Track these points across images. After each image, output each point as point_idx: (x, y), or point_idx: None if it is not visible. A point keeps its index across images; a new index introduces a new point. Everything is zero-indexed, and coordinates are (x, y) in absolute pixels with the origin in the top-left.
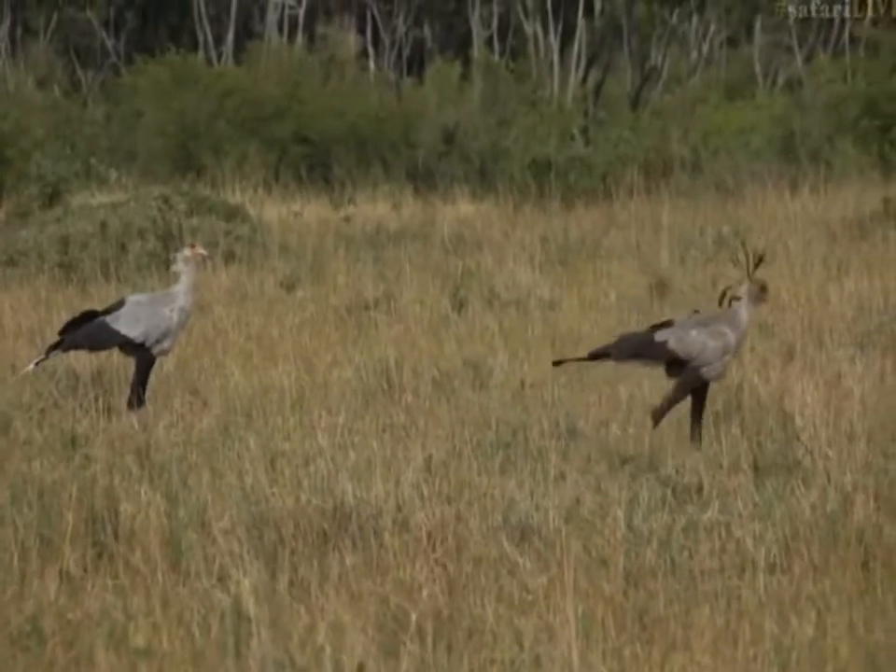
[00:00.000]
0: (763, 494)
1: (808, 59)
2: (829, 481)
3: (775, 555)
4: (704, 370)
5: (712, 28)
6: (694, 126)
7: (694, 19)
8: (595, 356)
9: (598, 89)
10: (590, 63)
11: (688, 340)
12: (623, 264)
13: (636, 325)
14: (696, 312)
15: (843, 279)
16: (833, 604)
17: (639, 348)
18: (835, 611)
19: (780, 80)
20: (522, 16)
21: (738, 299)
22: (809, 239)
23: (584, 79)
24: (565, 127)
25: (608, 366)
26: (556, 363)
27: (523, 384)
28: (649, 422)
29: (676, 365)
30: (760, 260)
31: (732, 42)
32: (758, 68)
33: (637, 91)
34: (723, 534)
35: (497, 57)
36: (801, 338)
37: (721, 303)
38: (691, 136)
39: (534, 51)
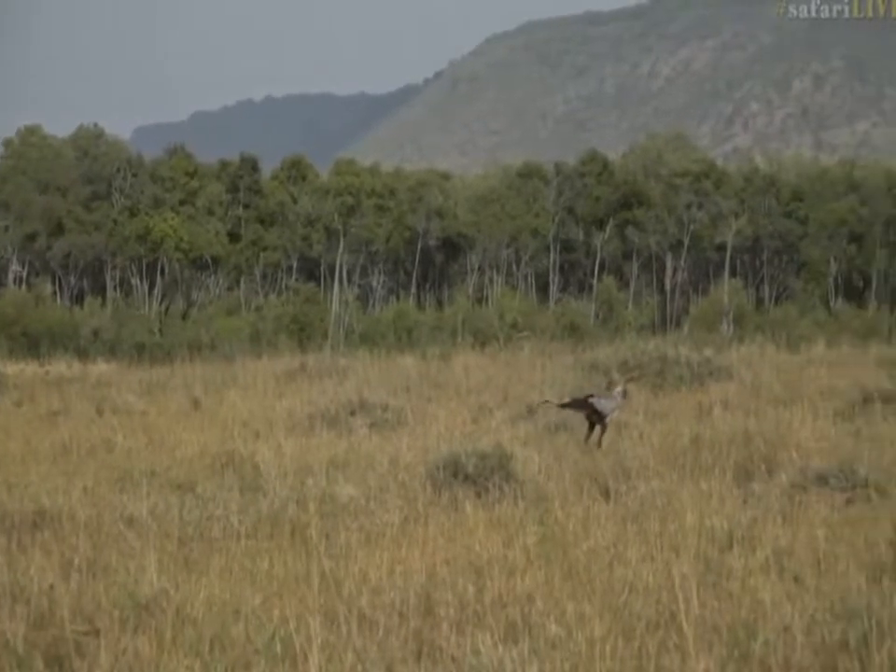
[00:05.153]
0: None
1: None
2: (275, 494)
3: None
4: (606, 416)
5: (219, 279)
6: (213, 327)
7: (211, 279)
8: (562, 405)
9: (167, 310)
10: (163, 299)
11: (600, 403)
12: (178, 394)
13: (191, 420)
14: (607, 390)
15: (281, 399)
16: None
17: (582, 405)
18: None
19: (252, 306)
20: (130, 276)
21: (616, 389)
22: (266, 379)
23: (160, 305)
24: (149, 328)
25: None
26: (531, 407)
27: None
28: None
29: (594, 413)
30: (631, 378)
31: (229, 289)
32: (243, 299)
33: (185, 311)
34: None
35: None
36: (262, 426)
37: (607, 388)
38: (211, 332)
39: (137, 294)
